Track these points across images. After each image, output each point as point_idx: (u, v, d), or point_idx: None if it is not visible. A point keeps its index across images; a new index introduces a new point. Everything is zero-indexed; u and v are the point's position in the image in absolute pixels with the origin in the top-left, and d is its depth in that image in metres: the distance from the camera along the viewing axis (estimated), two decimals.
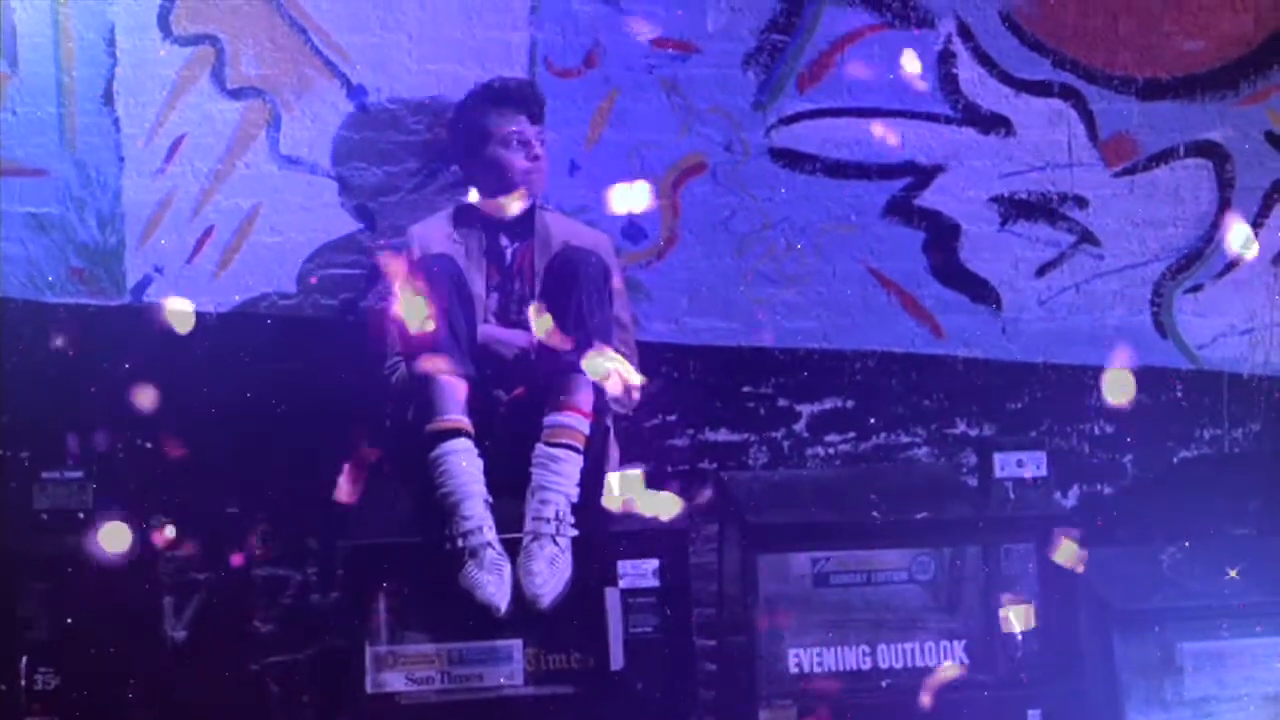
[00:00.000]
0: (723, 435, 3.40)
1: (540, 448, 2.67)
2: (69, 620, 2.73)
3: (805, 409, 3.42)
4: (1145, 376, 3.46)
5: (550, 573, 2.57)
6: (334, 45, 3.21)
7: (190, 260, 3.25)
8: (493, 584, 2.53)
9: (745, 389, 3.41)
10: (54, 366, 3.20)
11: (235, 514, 3.30)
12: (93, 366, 3.21)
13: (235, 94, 3.21)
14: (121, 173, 3.21)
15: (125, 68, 3.18)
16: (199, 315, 3.25)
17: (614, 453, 2.99)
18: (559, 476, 2.64)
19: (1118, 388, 3.25)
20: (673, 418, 3.36)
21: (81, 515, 2.82)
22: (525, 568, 2.57)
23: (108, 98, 3.18)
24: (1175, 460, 3.50)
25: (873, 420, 3.43)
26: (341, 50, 3.22)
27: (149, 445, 3.24)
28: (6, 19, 3.12)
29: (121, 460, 3.21)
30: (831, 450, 3.42)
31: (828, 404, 3.43)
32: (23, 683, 2.68)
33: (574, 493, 2.65)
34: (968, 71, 3.35)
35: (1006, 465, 2.94)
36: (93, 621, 2.76)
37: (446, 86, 3.23)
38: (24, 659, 2.69)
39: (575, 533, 2.63)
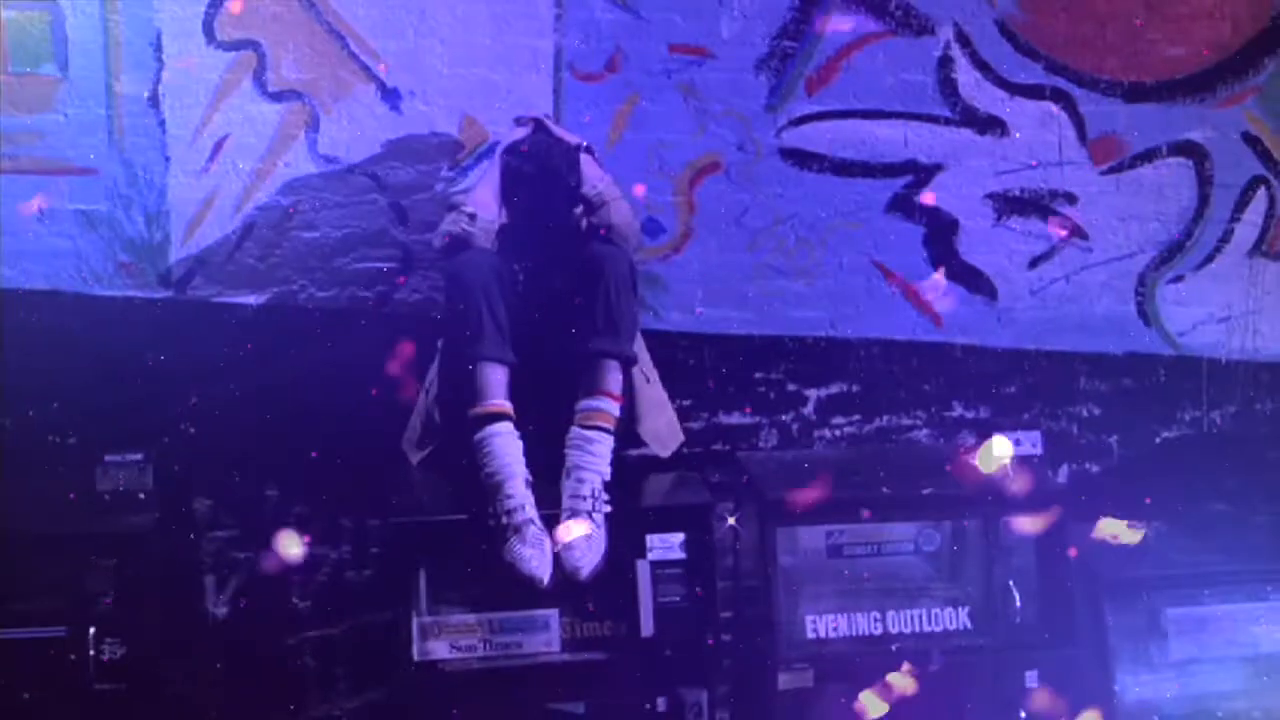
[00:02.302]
0: (735, 418, 3.56)
1: (575, 430, 2.83)
2: (131, 594, 2.85)
3: (813, 393, 3.58)
4: (1130, 362, 3.64)
5: (587, 547, 2.73)
6: (370, 50, 3.34)
7: (232, 255, 3.38)
8: (536, 558, 2.70)
9: (757, 374, 3.56)
10: (102, 356, 3.29)
11: (274, 496, 3.43)
12: (139, 356, 3.31)
13: (276, 97, 3.33)
14: (167, 172, 3.33)
15: (171, 72, 3.30)
16: (239, 307, 3.39)
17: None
18: (594, 457, 2.80)
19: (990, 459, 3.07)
20: (688, 402, 3.50)
21: (142, 495, 2.96)
22: (564, 543, 2.73)
23: (154, 100, 3.30)
24: (1158, 440, 3.67)
25: (876, 404, 3.59)
26: (377, 55, 3.34)
27: (192, 430, 3.36)
28: (59, 26, 3.24)
29: (166, 445, 3.29)
30: (838, 432, 3.58)
31: (834, 388, 3.58)
32: (91, 653, 2.79)
33: (607, 472, 2.81)
34: (965, 76, 3.49)
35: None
36: (150, 596, 2.90)
37: (476, 90, 3.37)
38: (92, 630, 2.80)
39: (609, 509, 2.79)
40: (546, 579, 2.71)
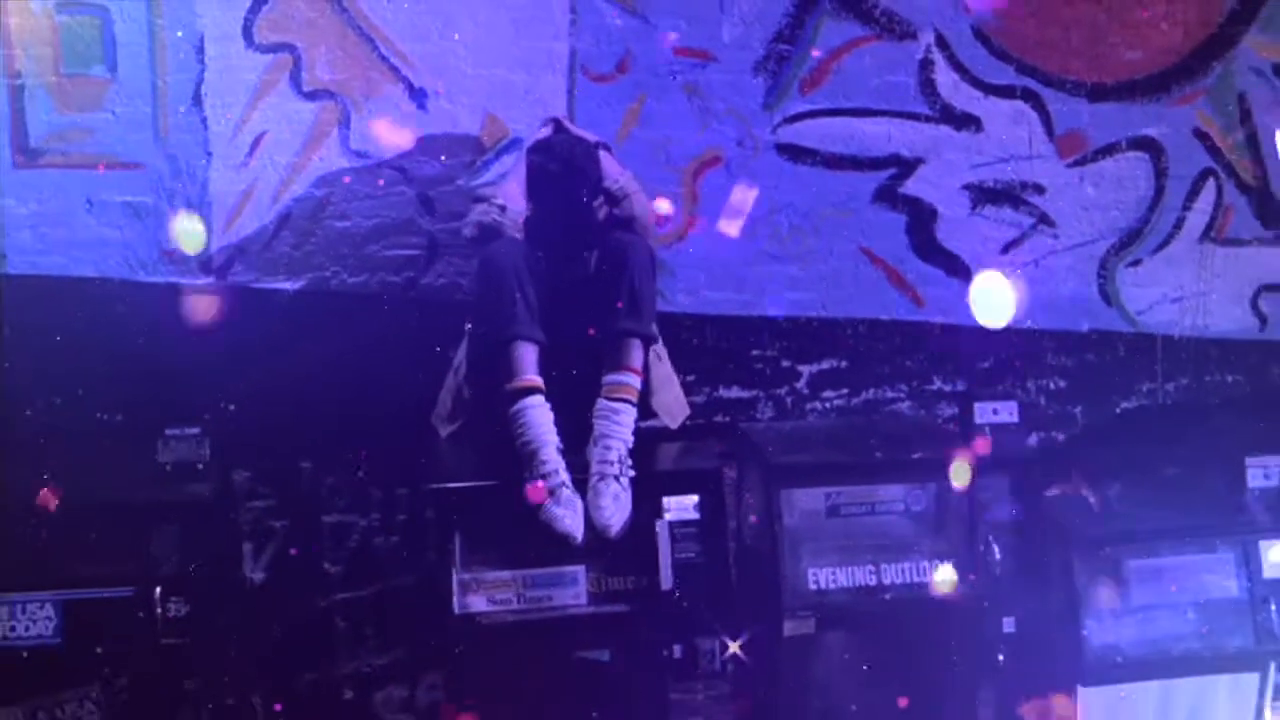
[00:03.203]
0: (735, 392, 3.80)
1: (602, 402, 3.06)
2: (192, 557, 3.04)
3: (805, 369, 3.82)
4: (1093, 339, 3.90)
5: (616, 507, 2.96)
6: (398, 53, 3.54)
7: (269, 244, 3.56)
8: (569, 518, 2.92)
9: (754, 352, 3.80)
10: (148, 338, 3.48)
11: (307, 468, 3.63)
12: (181, 339, 3.49)
13: (310, 96, 3.52)
14: (209, 166, 3.50)
15: (213, 73, 3.48)
16: (276, 292, 3.58)
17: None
18: (619, 426, 3.03)
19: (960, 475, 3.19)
20: (692, 378, 3.71)
21: (200, 466, 3.14)
22: (594, 504, 2.95)
23: (197, 99, 3.48)
24: (1118, 410, 3.94)
25: (863, 378, 3.84)
26: (405, 57, 3.54)
27: (231, 408, 3.52)
28: (108, 29, 3.42)
29: (207, 421, 3.40)
30: (828, 404, 3.83)
31: (825, 364, 3.83)
32: (158, 611, 2.97)
33: (631, 439, 3.04)
34: (944, 77, 3.73)
35: (984, 413, 3.40)
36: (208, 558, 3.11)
37: (496, 90, 3.58)
38: (157, 590, 2.97)
39: (633, 473, 3.02)
40: (580, 537, 2.93)
